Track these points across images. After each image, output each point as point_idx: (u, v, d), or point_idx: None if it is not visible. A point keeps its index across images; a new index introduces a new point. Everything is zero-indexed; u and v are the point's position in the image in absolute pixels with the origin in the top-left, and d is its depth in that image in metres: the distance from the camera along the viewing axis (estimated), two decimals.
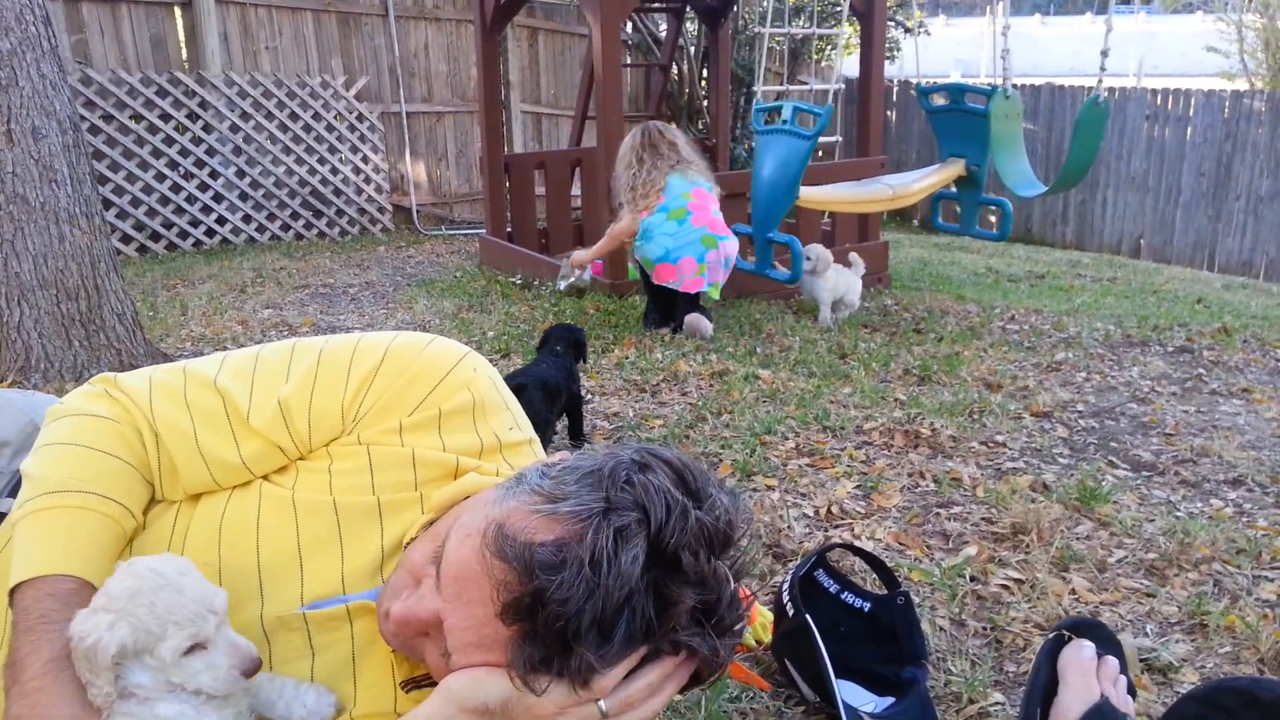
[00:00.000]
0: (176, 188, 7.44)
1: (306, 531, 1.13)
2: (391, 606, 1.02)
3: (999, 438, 3.09)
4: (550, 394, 2.94)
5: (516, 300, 5.44)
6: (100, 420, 1.16)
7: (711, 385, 3.70)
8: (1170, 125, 9.58)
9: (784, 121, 4.49)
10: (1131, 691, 1.22)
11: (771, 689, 1.75)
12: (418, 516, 1.15)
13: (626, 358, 4.08)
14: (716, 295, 4.59)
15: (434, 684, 1.08)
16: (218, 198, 7.66)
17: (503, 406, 1.25)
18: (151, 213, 7.34)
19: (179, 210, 7.50)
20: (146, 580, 0.99)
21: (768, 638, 1.88)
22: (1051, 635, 1.22)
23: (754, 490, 2.67)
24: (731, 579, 0.95)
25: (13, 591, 1.05)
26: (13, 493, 1.26)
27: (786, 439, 3.08)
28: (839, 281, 4.93)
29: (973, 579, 2.14)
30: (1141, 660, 1.83)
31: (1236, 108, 9.10)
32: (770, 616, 1.90)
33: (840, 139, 9.00)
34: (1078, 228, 10.40)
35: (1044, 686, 1.18)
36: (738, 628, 0.98)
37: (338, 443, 1.20)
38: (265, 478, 1.19)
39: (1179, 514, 2.53)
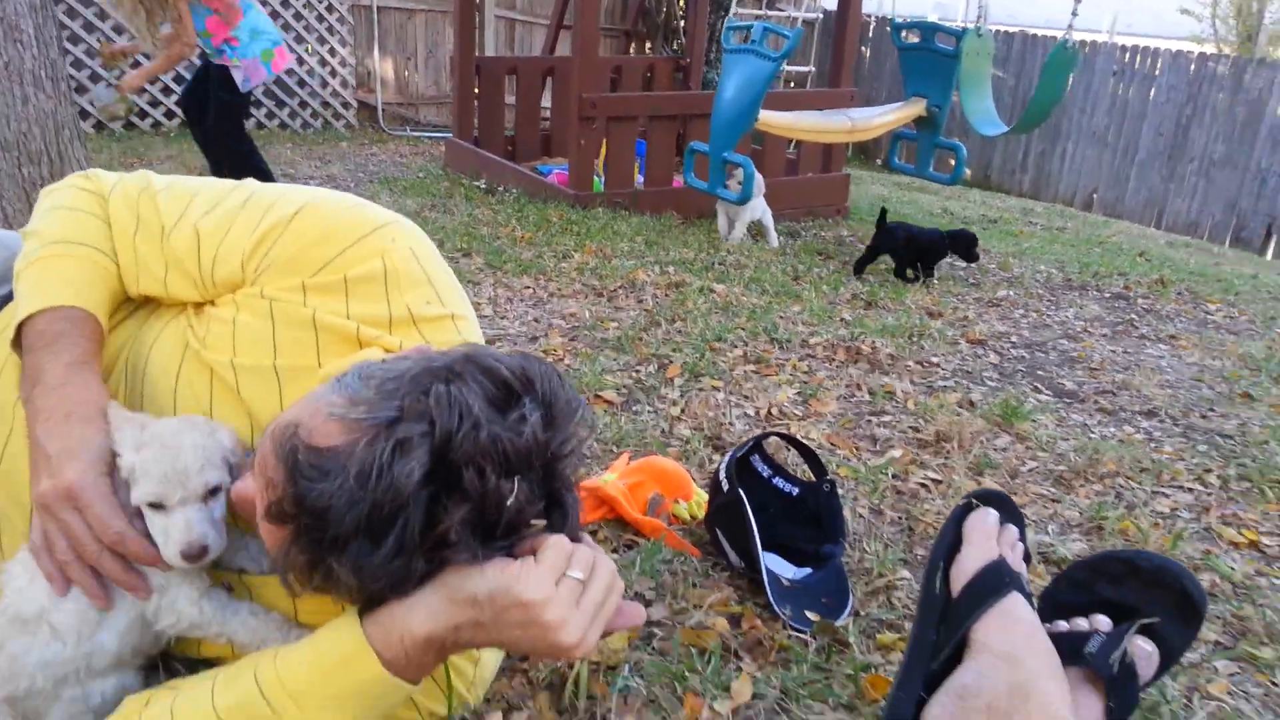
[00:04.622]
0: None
1: (219, 400, 1.18)
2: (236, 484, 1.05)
3: (934, 359, 3.25)
4: (915, 244, 4.45)
5: (480, 204, 5.46)
6: (92, 196, 1.28)
7: (668, 295, 3.81)
8: (1135, 83, 9.71)
9: (753, 41, 4.53)
10: (1027, 558, 1.37)
11: (701, 556, 1.89)
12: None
13: (587, 264, 4.16)
14: None
15: None
16: (178, 79, 7.50)
17: (423, 281, 1.22)
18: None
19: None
20: (164, 432, 1.05)
21: (701, 515, 2.02)
22: (961, 503, 1.35)
23: (700, 390, 2.80)
24: (524, 499, 0.92)
25: (22, 325, 1.12)
26: None
27: (735, 347, 3.20)
28: (759, 205, 5.02)
29: (895, 476, 2.30)
30: (1040, 554, 2.00)
31: (1201, 71, 9.24)
32: (705, 497, 2.04)
33: (814, 69, 9.00)
34: (1035, 177, 10.57)
35: (949, 546, 1.30)
36: (509, 543, 0.95)
37: (244, 292, 1.21)
38: (191, 327, 1.22)
39: (1092, 435, 2.71)
